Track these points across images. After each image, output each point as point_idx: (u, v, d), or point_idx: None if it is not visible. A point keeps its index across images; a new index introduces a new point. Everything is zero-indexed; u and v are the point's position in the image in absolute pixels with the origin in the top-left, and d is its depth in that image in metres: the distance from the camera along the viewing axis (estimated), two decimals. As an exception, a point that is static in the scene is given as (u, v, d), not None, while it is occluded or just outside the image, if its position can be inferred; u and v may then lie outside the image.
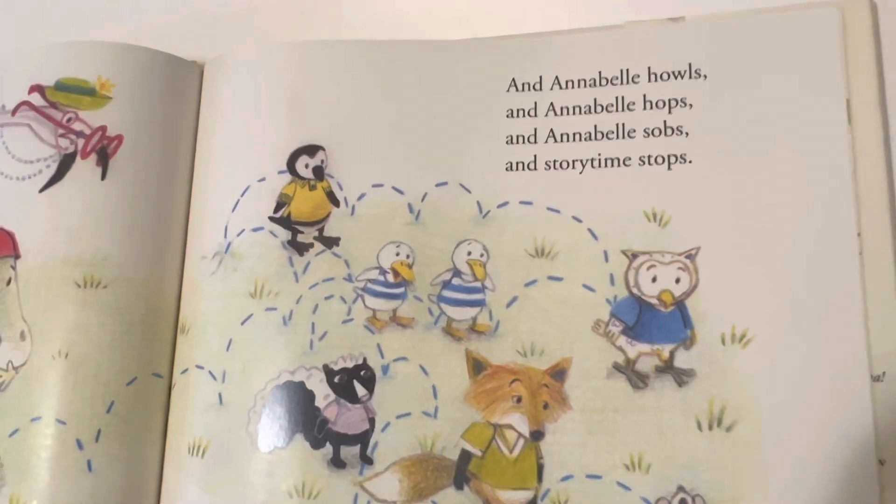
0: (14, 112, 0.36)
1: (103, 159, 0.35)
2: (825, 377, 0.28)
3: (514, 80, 0.34)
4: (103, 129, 0.35)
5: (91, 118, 0.35)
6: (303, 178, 0.34)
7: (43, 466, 0.32)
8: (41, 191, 0.35)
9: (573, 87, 0.33)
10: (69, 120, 0.35)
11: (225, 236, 0.34)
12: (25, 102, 0.36)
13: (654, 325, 0.30)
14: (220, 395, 0.33)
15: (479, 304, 0.32)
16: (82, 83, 0.36)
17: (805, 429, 0.28)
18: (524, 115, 0.34)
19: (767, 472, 0.28)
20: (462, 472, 0.31)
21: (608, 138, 0.33)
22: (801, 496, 0.28)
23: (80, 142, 0.35)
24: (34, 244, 0.34)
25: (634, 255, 0.31)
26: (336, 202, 0.34)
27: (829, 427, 0.28)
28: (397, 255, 0.33)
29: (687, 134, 0.32)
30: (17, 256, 0.34)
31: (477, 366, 0.31)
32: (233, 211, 0.34)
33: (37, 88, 0.36)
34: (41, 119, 0.36)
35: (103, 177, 0.35)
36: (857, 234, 0.29)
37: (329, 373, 0.32)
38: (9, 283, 0.34)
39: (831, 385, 0.28)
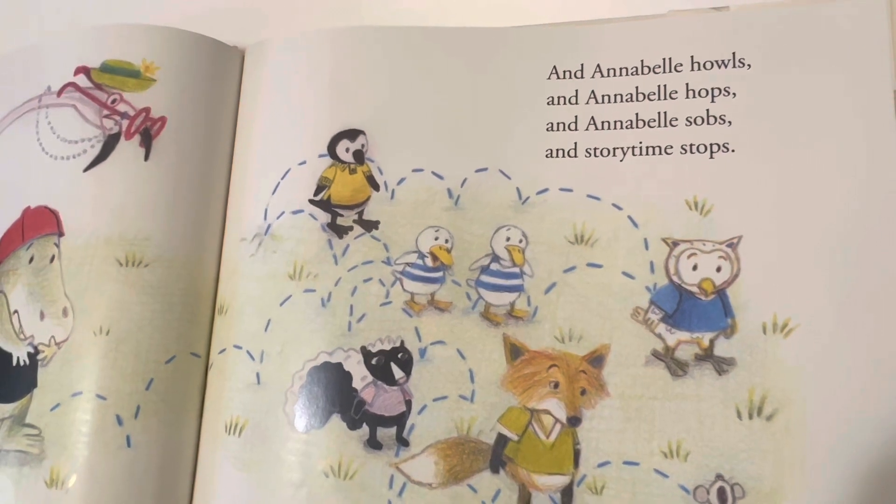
0: (60, 93, 0.37)
1: (147, 140, 0.35)
2: (869, 367, 0.28)
3: (555, 67, 0.34)
4: (147, 110, 0.36)
5: (135, 100, 0.36)
6: (343, 162, 0.34)
7: (83, 441, 0.32)
8: (85, 170, 0.35)
9: (615, 74, 0.33)
10: (114, 101, 0.36)
11: (265, 218, 0.35)
12: (71, 83, 0.37)
13: (694, 313, 0.30)
14: (257, 375, 0.33)
15: (518, 289, 0.32)
16: (127, 65, 0.36)
17: (849, 419, 0.28)
18: (565, 103, 0.34)
19: (809, 462, 0.28)
20: (498, 456, 0.31)
21: (650, 126, 0.32)
22: (844, 488, 0.27)
23: (125, 123, 0.36)
24: (78, 223, 0.35)
25: (675, 243, 0.31)
26: (376, 186, 0.34)
27: (874, 418, 0.28)
28: (436, 239, 0.33)
29: (730, 123, 0.32)
30: (60, 234, 0.35)
31: (514, 351, 0.31)
32: (273, 193, 0.35)
33: (82, 70, 0.37)
34: (86, 100, 0.36)
35: (146, 158, 0.35)
36: (902, 224, 0.29)
37: (367, 354, 0.32)
38: (52, 260, 0.35)
39: (876, 375, 0.28)
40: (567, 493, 0.30)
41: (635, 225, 0.32)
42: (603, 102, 0.33)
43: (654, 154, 0.32)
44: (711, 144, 0.32)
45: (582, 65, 0.34)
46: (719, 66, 0.32)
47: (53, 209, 0.35)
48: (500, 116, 0.34)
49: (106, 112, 0.36)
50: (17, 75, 0.38)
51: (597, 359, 0.31)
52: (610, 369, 0.31)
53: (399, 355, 0.32)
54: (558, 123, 0.34)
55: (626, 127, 0.33)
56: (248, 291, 0.34)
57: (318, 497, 0.31)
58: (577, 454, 0.30)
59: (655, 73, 0.33)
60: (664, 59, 0.33)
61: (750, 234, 0.30)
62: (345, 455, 0.31)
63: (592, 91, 0.34)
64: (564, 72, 0.34)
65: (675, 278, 0.31)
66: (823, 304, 0.29)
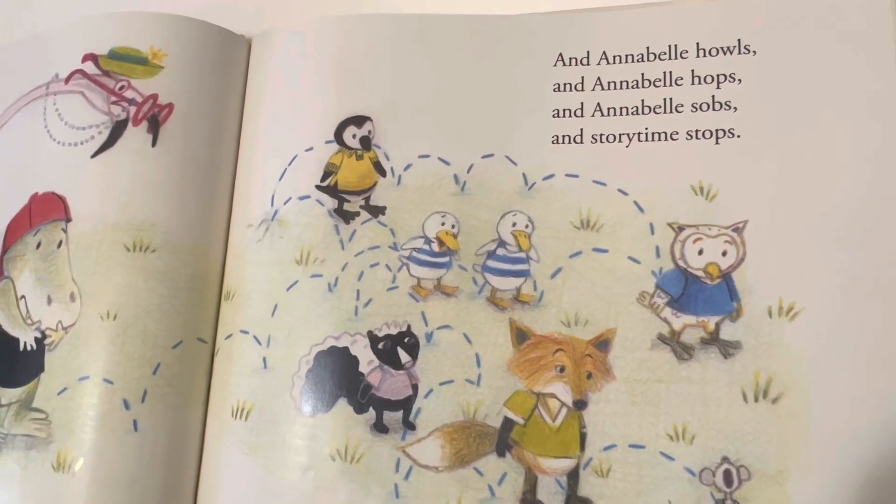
0: (68, 80, 0.37)
1: (154, 127, 0.36)
2: (874, 350, 0.28)
3: (561, 54, 0.34)
4: (154, 97, 0.36)
5: (143, 87, 0.36)
6: (350, 148, 0.35)
7: (90, 425, 0.32)
8: (93, 156, 0.35)
9: (621, 61, 0.34)
10: (121, 88, 0.36)
11: (272, 204, 0.35)
12: (79, 71, 0.37)
13: (699, 297, 0.30)
14: (264, 360, 0.33)
15: (524, 274, 0.32)
16: (135, 52, 0.36)
17: (853, 402, 0.28)
18: (571, 89, 0.34)
19: (814, 444, 0.28)
20: (504, 440, 0.31)
21: (655, 112, 0.33)
22: (849, 470, 0.28)
23: (132, 109, 0.36)
24: (85, 208, 0.35)
25: (681, 228, 0.31)
26: (383, 172, 0.34)
27: (878, 400, 0.28)
28: (442, 224, 0.33)
29: (735, 108, 0.32)
30: (68, 220, 0.35)
31: (520, 335, 0.32)
32: (280, 179, 0.35)
33: (90, 57, 0.37)
34: (94, 87, 0.36)
35: (154, 144, 0.35)
36: (907, 209, 0.29)
37: (373, 339, 0.32)
38: (60, 245, 0.35)
39: (881, 358, 0.28)
40: (573, 476, 0.30)
41: (641, 210, 0.32)
42: (609, 89, 0.34)
43: (659, 140, 0.32)
44: (717, 130, 0.32)
45: (588, 52, 0.34)
46: (724, 53, 0.32)
47: (61, 195, 0.35)
48: (507, 103, 0.34)
49: (113, 99, 0.36)
50: (25, 63, 0.38)
51: (603, 343, 0.31)
52: (616, 353, 0.31)
53: (405, 340, 0.32)
54: (564, 110, 0.34)
55: (632, 113, 0.33)
56: (254, 277, 0.34)
57: (325, 481, 0.31)
58: (583, 437, 0.30)
59: (661, 59, 0.33)
60: (670, 46, 0.33)
61: (755, 219, 0.31)
62: (351, 439, 0.31)
63: (598, 78, 0.34)
64: (570, 59, 0.34)
65: (680, 263, 0.31)
66: (829, 288, 0.29)
